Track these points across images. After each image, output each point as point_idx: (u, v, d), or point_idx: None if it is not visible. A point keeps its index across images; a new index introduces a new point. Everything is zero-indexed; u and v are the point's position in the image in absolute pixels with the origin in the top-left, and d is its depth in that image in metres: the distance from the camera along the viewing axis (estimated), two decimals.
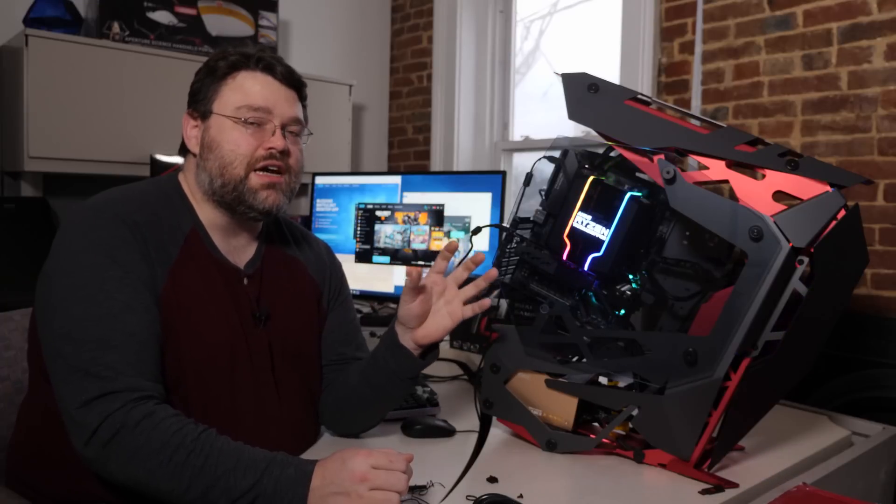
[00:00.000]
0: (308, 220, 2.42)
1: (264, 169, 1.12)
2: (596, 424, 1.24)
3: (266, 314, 1.16)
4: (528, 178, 1.25)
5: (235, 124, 1.11)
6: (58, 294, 1.01)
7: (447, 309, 1.16)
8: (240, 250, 1.19)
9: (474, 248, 1.91)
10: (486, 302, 1.16)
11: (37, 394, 1.11)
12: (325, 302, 1.29)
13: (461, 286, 1.17)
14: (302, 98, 1.20)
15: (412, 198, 2.16)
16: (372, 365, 1.21)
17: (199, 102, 1.15)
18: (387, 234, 2.17)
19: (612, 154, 1.22)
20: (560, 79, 1.19)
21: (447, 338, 1.91)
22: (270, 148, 1.11)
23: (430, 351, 1.19)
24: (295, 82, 1.18)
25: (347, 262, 2.24)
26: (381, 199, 2.21)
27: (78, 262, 1.01)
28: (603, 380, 1.29)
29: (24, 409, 1.15)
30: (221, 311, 1.11)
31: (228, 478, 0.90)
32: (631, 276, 1.20)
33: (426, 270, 1.16)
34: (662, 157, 1.11)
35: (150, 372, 0.98)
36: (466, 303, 1.16)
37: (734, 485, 1.07)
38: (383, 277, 2.17)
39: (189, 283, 1.08)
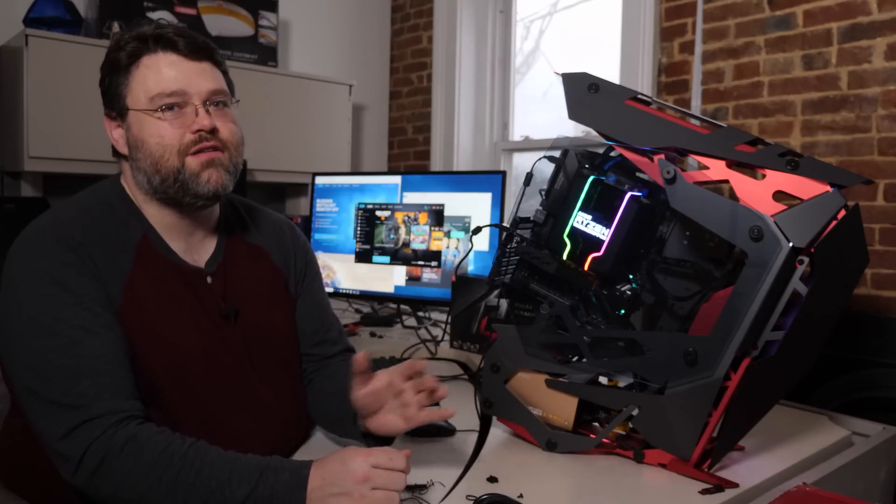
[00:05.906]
0: (308, 220, 2.42)
1: (199, 151, 1.05)
2: (596, 424, 1.24)
3: (234, 310, 1.12)
4: (528, 178, 1.25)
5: (153, 116, 1.04)
6: (14, 331, 0.97)
7: (403, 412, 1.09)
8: (198, 247, 1.14)
9: (474, 248, 1.91)
10: (443, 398, 1.09)
11: (16, 409, 1.07)
12: (291, 287, 1.25)
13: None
14: (217, 64, 1.11)
15: (412, 198, 2.16)
16: (330, 413, 1.20)
17: (113, 101, 1.08)
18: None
19: (612, 154, 1.22)
20: (560, 79, 1.19)
21: (447, 338, 1.92)
22: (198, 130, 1.05)
23: (383, 441, 1.13)
24: (203, 51, 1.08)
25: (347, 262, 2.24)
26: (381, 199, 2.21)
27: (28, 296, 0.97)
28: (603, 380, 1.29)
29: (8, 421, 1.12)
30: (187, 315, 1.07)
31: (223, 490, 0.89)
32: (631, 276, 1.20)
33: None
34: (662, 156, 1.11)
35: (125, 391, 0.96)
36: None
37: (734, 485, 1.07)
38: (383, 277, 2.17)
39: (147, 295, 1.04)
